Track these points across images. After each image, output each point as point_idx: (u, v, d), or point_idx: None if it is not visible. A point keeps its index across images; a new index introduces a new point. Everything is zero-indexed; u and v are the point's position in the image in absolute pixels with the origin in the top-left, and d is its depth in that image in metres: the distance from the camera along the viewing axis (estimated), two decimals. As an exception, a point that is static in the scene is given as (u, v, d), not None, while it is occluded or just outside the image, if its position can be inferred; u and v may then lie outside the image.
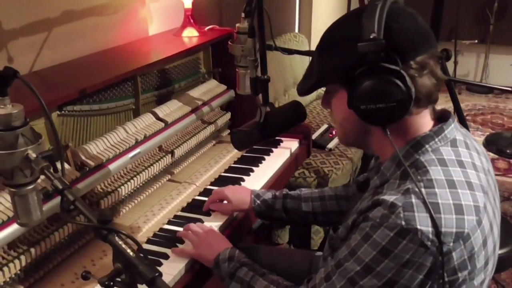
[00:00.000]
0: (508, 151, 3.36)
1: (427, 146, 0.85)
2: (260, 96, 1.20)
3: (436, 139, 0.86)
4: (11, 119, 0.74)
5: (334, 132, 2.48)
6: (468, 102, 4.45)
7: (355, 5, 3.67)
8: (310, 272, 1.30)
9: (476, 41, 4.46)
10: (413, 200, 0.78)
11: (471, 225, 0.78)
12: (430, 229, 0.76)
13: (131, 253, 0.66)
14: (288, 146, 1.75)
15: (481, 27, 4.47)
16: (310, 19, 3.49)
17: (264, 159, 1.67)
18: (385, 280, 0.79)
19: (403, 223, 0.76)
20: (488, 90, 4.64)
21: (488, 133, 3.71)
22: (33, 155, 0.76)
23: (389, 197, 0.80)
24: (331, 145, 2.37)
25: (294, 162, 1.74)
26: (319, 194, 1.29)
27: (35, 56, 1.35)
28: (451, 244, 0.77)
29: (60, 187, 0.72)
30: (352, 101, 0.84)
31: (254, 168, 1.61)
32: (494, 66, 4.59)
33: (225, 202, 1.35)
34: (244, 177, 1.55)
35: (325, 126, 2.52)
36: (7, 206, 1.00)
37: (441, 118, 0.91)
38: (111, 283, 0.66)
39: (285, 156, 1.70)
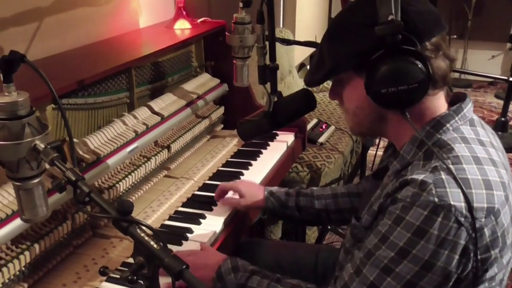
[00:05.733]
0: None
1: (448, 125, 0.84)
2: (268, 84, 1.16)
3: (456, 118, 0.85)
4: (17, 108, 0.70)
5: (324, 126, 2.46)
6: (448, 96, 4.52)
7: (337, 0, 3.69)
8: (317, 265, 1.28)
9: (455, 36, 4.55)
10: (443, 176, 0.76)
11: (500, 201, 0.78)
12: (463, 204, 0.74)
13: (154, 245, 0.63)
14: (284, 140, 1.73)
15: (459, 23, 4.56)
16: (294, 14, 3.48)
17: (261, 152, 1.64)
18: (422, 263, 0.75)
19: (436, 199, 0.74)
20: (467, 84, 4.73)
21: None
22: (41, 145, 0.71)
23: (418, 176, 0.78)
24: (322, 139, 2.35)
25: (291, 155, 1.72)
26: (332, 191, 1.27)
27: (26, 47, 1.29)
28: (483, 219, 0.75)
29: (73, 178, 0.68)
30: (371, 86, 0.82)
31: (252, 162, 1.58)
32: (472, 60, 4.69)
33: (234, 195, 1.31)
34: (243, 171, 1.52)
35: (315, 121, 2.50)
36: (11, 201, 0.95)
37: (455, 101, 0.89)
38: (135, 278, 0.62)
39: (282, 150, 1.68)
